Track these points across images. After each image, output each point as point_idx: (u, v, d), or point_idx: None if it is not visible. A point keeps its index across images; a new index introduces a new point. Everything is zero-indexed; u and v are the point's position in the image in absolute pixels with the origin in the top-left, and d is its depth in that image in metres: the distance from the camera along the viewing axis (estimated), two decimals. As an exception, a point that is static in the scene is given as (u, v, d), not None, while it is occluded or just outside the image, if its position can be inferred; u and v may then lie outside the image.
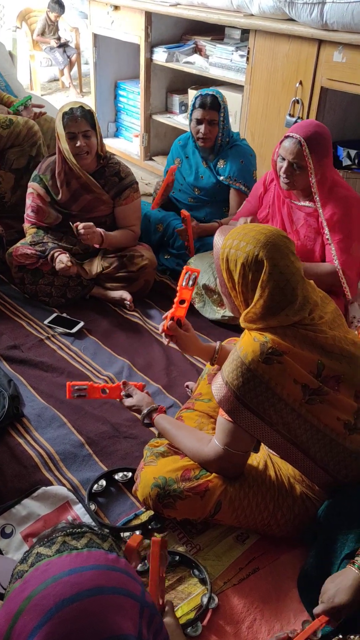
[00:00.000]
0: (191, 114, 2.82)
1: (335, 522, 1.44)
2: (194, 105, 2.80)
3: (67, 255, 2.57)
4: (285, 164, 2.22)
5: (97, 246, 2.64)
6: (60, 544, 0.69)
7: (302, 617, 1.44)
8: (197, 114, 2.78)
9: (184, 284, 1.74)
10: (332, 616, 1.26)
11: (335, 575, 1.31)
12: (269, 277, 1.38)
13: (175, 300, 1.74)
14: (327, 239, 2.26)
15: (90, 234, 2.54)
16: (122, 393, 1.78)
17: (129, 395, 1.76)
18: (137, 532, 1.62)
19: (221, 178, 2.88)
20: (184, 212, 2.77)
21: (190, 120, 2.84)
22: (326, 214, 2.25)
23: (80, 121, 2.51)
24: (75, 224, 2.53)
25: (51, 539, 0.71)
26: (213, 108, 2.74)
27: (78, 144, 2.54)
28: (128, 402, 1.76)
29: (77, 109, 2.52)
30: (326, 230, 2.26)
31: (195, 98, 2.79)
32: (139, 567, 1.51)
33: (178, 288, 1.75)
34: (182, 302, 1.74)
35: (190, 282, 1.74)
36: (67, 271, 2.54)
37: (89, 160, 2.61)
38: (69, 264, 2.52)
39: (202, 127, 2.78)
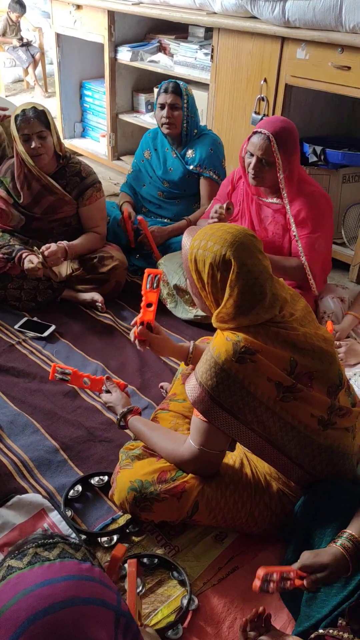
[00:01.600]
0: (156, 102, 2.87)
1: (312, 517, 1.44)
2: (158, 92, 2.85)
3: (38, 257, 2.54)
4: (253, 160, 2.22)
5: (62, 260, 2.60)
6: (32, 555, 0.68)
7: (283, 614, 1.44)
8: (160, 98, 2.83)
9: (147, 287, 1.74)
10: (311, 573, 1.24)
11: (314, 550, 1.30)
12: (237, 277, 1.38)
13: (142, 304, 1.73)
14: (294, 235, 2.28)
15: (53, 260, 2.52)
16: (103, 388, 1.79)
17: (108, 392, 1.78)
18: (115, 537, 1.60)
19: (191, 167, 2.88)
20: (140, 217, 2.77)
21: (155, 108, 2.87)
22: (293, 210, 2.26)
23: (34, 122, 2.48)
24: (40, 251, 2.50)
25: (22, 551, 0.70)
26: (175, 92, 2.79)
27: (33, 145, 2.50)
28: (105, 397, 1.78)
29: (29, 110, 2.49)
30: (293, 227, 2.27)
31: (160, 86, 2.86)
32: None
33: (143, 292, 1.75)
34: (149, 305, 1.73)
35: (155, 284, 1.74)
36: (36, 272, 2.50)
37: (46, 160, 2.58)
38: (39, 265, 2.49)
39: (164, 112, 2.81)
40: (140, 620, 1.25)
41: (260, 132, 2.18)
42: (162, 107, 2.82)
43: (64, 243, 2.59)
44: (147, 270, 1.76)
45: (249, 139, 2.24)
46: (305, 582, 1.24)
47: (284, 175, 2.20)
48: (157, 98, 2.85)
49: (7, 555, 0.72)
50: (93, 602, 0.65)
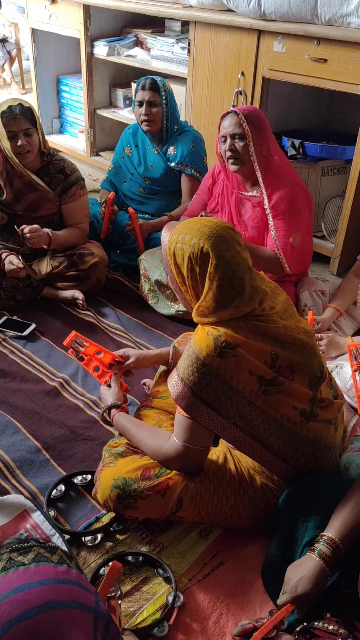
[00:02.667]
0: (134, 100, 2.84)
1: (295, 510, 1.45)
2: (136, 89, 2.82)
3: (17, 256, 2.50)
4: (227, 142, 2.24)
5: (45, 247, 2.58)
6: (6, 561, 0.67)
7: (268, 608, 1.44)
8: (138, 96, 2.80)
9: (78, 354, 1.85)
10: (297, 605, 1.27)
11: (296, 564, 1.31)
12: (215, 269, 1.38)
13: (90, 370, 1.83)
14: (271, 225, 2.27)
15: (36, 237, 2.49)
16: (107, 382, 1.80)
17: (109, 386, 1.79)
18: (100, 536, 1.59)
19: (172, 164, 2.86)
20: (130, 209, 2.75)
21: (134, 105, 2.84)
22: (271, 201, 2.26)
23: (20, 119, 2.45)
24: (20, 227, 2.47)
25: (-4, 556, 0.68)
26: (152, 89, 2.76)
27: (19, 142, 2.47)
28: (103, 390, 1.79)
29: (16, 107, 2.45)
30: (269, 218, 2.27)
31: (137, 82, 2.83)
32: (100, 571, 1.49)
33: (85, 360, 1.84)
34: (98, 353, 1.84)
35: (82, 344, 1.84)
36: (17, 273, 2.47)
37: (31, 158, 2.55)
38: (20, 265, 2.46)
39: (143, 109, 2.78)
40: (120, 625, 1.23)
41: (228, 113, 2.24)
42: (141, 104, 2.79)
43: (48, 229, 2.56)
44: (65, 343, 1.86)
45: (219, 127, 2.26)
46: (297, 615, 1.28)
47: (256, 152, 2.21)
48: (135, 95, 2.83)
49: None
50: (70, 605, 0.64)
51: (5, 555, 0.68)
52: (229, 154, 2.25)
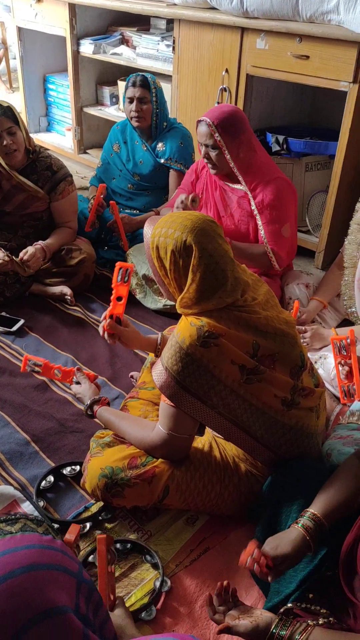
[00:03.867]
0: (124, 96, 2.86)
1: (279, 496, 1.48)
2: (126, 86, 2.85)
3: (3, 250, 2.53)
4: (203, 150, 2.28)
5: (43, 261, 2.62)
6: None
7: (253, 592, 1.48)
8: (129, 92, 2.83)
9: (119, 279, 1.75)
10: (274, 565, 1.26)
11: (278, 534, 1.33)
12: (198, 261, 1.41)
13: (112, 297, 1.75)
14: (258, 223, 2.31)
15: (35, 262, 2.55)
16: (73, 379, 1.82)
17: (78, 383, 1.80)
18: (88, 525, 1.62)
19: (161, 160, 2.90)
20: (112, 202, 2.78)
21: (124, 101, 2.87)
22: (256, 198, 2.29)
23: (1, 119, 2.47)
24: (19, 258, 2.52)
25: (-16, 528, 0.72)
26: (143, 86, 2.79)
27: (4, 142, 2.49)
28: (75, 389, 1.81)
29: None
30: (256, 213, 2.31)
31: (128, 79, 2.85)
32: (89, 558, 1.52)
33: (113, 285, 1.75)
34: (119, 299, 1.75)
35: (126, 278, 1.75)
36: (5, 267, 2.50)
37: (19, 157, 2.57)
38: (6, 258, 2.48)
39: (133, 105, 2.81)
40: (113, 595, 1.26)
41: (201, 121, 2.25)
42: (131, 101, 2.82)
43: (41, 243, 2.59)
44: (118, 264, 1.76)
45: (196, 131, 2.30)
46: (270, 577, 1.27)
47: (231, 156, 2.23)
48: (125, 91, 2.85)
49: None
50: (53, 567, 0.68)
51: (-7, 526, 0.71)
52: (205, 160, 2.31)
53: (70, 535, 1.23)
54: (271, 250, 2.31)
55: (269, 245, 2.30)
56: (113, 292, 1.75)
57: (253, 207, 2.31)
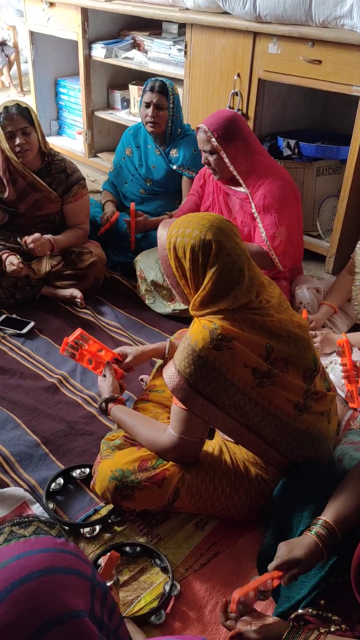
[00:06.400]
0: (141, 100, 2.85)
1: (289, 501, 1.47)
2: (144, 89, 2.84)
3: (17, 256, 2.54)
4: (203, 155, 2.31)
5: (48, 253, 2.62)
6: (7, 533, 0.70)
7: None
8: (146, 97, 2.82)
9: (77, 349, 1.88)
10: (287, 569, 1.26)
11: (291, 540, 1.33)
12: (217, 259, 1.41)
13: (92, 367, 1.86)
14: (258, 222, 2.31)
15: (40, 246, 2.54)
16: (102, 371, 1.83)
17: (104, 376, 1.82)
18: (98, 527, 1.62)
19: (174, 167, 2.90)
20: (132, 205, 2.79)
21: (140, 105, 2.87)
22: (256, 199, 2.29)
23: (17, 119, 2.48)
24: (23, 239, 2.52)
25: (-1, 531, 0.72)
26: (161, 92, 2.78)
27: (17, 141, 2.51)
28: (99, 381, 1.83)
29: (12, 107, 2.49)
30: (256, 214, 2.31)
31: (146, 83, 2.84)
32: (98, 561, 1.52)
33: (85, 358, 1.87)
34: (99, 351, 1.87)
35: (85, 341, 1.87)
36: (19, 273, 2.51)
37: (31, 157, 2.58)
38: (20, 265, 2.49)
39: (149, 111, 2.80)
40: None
41: (198, 128, 2.28)
42: (148, 105, 2.81)
43: (49, 236, 2.60)
44: (65, 341, 1.88)
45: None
46: (282, 580, 1.26)
47: (231, 162, 2.25)
48: (142, 95, 2.84)
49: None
50: (68, 571, 0.68)
51: (6, 529, 0.71)
52: (206, 166, 2.34)
53: (114, 554, 1.21)
54: (271, 247, 2.30)
55: (269, 243, 2.30)
56: (90, 362, 1.86)
57: (253, 210, 2.31)
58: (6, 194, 2.62)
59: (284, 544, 1.30)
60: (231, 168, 2.26)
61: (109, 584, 1.20)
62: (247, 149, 2.27)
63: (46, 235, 2.59)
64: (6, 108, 2.49)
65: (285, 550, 1.27)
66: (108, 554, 1.38)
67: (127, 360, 1.87)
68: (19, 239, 2.54)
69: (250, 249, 2.32)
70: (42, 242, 2.55)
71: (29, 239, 2.52)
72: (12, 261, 2.51)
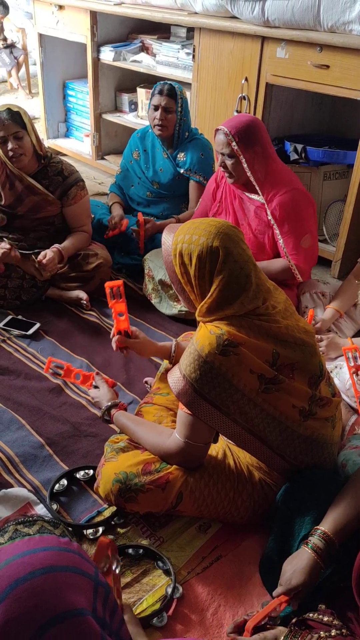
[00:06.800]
0: (150, 103, 2.87)
1: (292, 506, 1.48)
2: (152, 93, 2.85)
3: (6, 241, 2.54)
4: (220, 157, 2.29)
5: (59, 266, 2.64)
6: (12, 532, 0.71)
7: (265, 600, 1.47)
8: (154, 100, 2.83)
9: (112, 298, 1.85)
10: (291, 596, 1.30)
11: (292, 557, 1.35)
12: (223, 266, 1.41)
13: (113, 315, 1.84)
14: (277, 233, 2.31)
15: (53, 265, 2.58)
16: (92, 383, 1.86)
17: (96, 387, 1.83)
18: (101, 529, 1.62)
19: (181, 170, 2.91)
20: (140, 217, 2.81)
21: (149, 108, 2.87)
22: (272, 208, 2.29)
23: (8, 124, 2.49)
24: (38, 260, 2.55)
25: (3, 529, 0.73)
26: (170, 96, 2.80)
27: (10, 146, 2.52)
28: (93, 392, 1.84)
29: (2, 113, 2.50)
30: (273, 222, 2.31)
31: (155, 86, 2.85)
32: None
33: (110, 305, 1.85)
34: (120, 314, 1.84)
35: (119, 295, 1.85)
36: (9, 256, 2.51)
37: (25, 161, 2.59)
38: (7, 246, 2.50)
39: (157, 114, 2.81)
40: (119, 600, 1.26)
41: (218, 129, 2.27)
42: (156, 108, 2.82)
43: (57, 246, 2.62)
44: (106, 284, 1.87)
45: (214, 139, 2.31)
46: (292, 605, 1.31)
47: (249, 167, 2.24)
48: (151, 98, 2.86)
49: (-11, 535, 0.75)
50: (71, 570, 0.68)
51: (11, 527, 0.72)
52: (222, 169, 2.32)
53: (104, 539, 1.20)
54: (293, 263, 2.31)
55: (290, 258, 2.30)
56: (112, 311, 1.85)
57: (269, 217, 2.31)
58: (3, 200, 2.64)
59: (286, 564, 1.34)
60: (248, 173, 2.26)
61: (115, 568, 1.19)
62: (264, 155, 2.27)
63: (54, 247, 2.61)
64: None
65: (288, 578, 1.31)
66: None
67: (135, 341, 1.85)
68: (33, 257, 2.55)
69: (276, 267, 2.33)
70: (54, 262, 2.58)
71: (44, 260, 2.54)
72: (1, 245, 2.52)
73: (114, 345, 1.84)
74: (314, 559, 1.30)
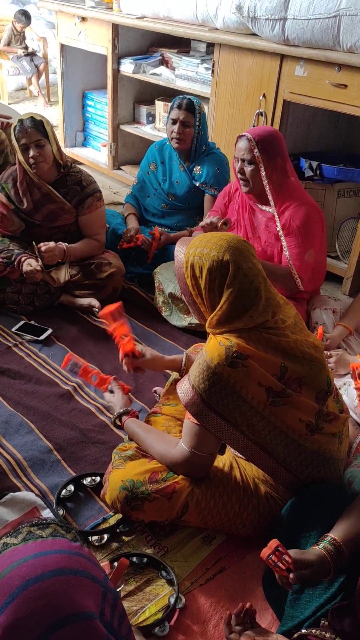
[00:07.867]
0: (168, 116, 2.90)
1: (298, 520, 1.48)
2: (171, 106, 2.89)
3: (35, 259, 2.58)
4: (238, 165, 2.31)
5: (59, 260, 2.66)
6: (26, 533, 0.73)
7: (267, 614, 1.48)
8: (173, 113, 2.86)
9: (114, 321, 1.90)
10: (298, 568, 1.27)
11: (302, 552, 1.33)
12: (233, 280, 1.43)
13: (116, 340, 1.88)
14: (283, 244, 2.33)
15: (51, 255, 2.59)
16: (108, 387, 1.86)
17: (111, 392, 1.85)
18: (106, 536, 1.63)
19: (197, 184, 2.94)
20: (156, 229, 2.85)
21: (167, 121, 2.91)
22: (282, 220, 2.32)
23: (31, 132, 2.53)
24: (38, 245, 2.57)
25: (17, 530, 0.75)
26: (188, 110, 2.83)
27: (31, 154, 2.56)
28: (108, 397, 1.85)
29: (26, 120, 2.54)
30: (281, 235, 2.33)
31: (174, 100, 2.89)
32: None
33: (111, 330, 1.90)
34: (124, 336, 1.87)
35: (118, 317, 1.90)
36: (34, 275, 2.55)
37: (45, 168, 2.63)
38: (38, 267, 2.53)
39: (175, 127, 2.85)
40: None
41: (242, 136, 2.30)
42: (174, 122, 2.86)
43: (64, 244, 2.65)
44: (104, 312, 1.93)
45: (235, 147, 2.33)
46: (291, 575, 1.27)
47: (267, 177, 2.27)
48: (169, 112, 2.89)
49: (3, 535, 0.77)
50: (81, 573, 0.70)
51: (25, 529, 0.74)
52: (239, 176, 2.34)
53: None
54: (295, 270, 2.32)
55: (293, 266, 2.32)
56: (114, 335, 1.89)
57: (279, 229, 2.33)
58: (24, 205, 2.67)
59: (295, 549, 1.32)
60: (265, 182, 2.28)
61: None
62: (283, 168, 2.30)
63: (61, 244, 2.64)
64: (20, 121, 2.55)
65: (298, 551, 1.29)
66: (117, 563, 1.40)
67: (143, 360, 1.86)
68: (34, 243, 2.58)
69: (278, 271, 2.35)
70: (54, 252, 2.59)
71: (43, 247, 2.56)
72: (30, 262, 2.55)
73: (125, 368, 1.85)
74: (324, 554, 1.28)
